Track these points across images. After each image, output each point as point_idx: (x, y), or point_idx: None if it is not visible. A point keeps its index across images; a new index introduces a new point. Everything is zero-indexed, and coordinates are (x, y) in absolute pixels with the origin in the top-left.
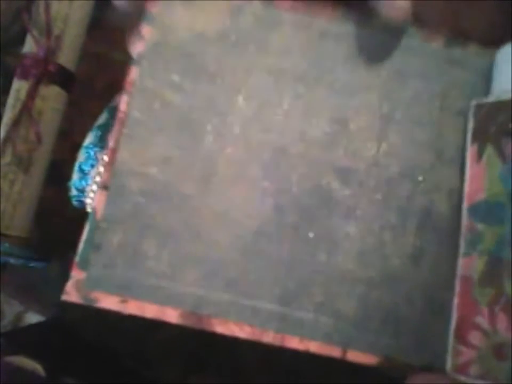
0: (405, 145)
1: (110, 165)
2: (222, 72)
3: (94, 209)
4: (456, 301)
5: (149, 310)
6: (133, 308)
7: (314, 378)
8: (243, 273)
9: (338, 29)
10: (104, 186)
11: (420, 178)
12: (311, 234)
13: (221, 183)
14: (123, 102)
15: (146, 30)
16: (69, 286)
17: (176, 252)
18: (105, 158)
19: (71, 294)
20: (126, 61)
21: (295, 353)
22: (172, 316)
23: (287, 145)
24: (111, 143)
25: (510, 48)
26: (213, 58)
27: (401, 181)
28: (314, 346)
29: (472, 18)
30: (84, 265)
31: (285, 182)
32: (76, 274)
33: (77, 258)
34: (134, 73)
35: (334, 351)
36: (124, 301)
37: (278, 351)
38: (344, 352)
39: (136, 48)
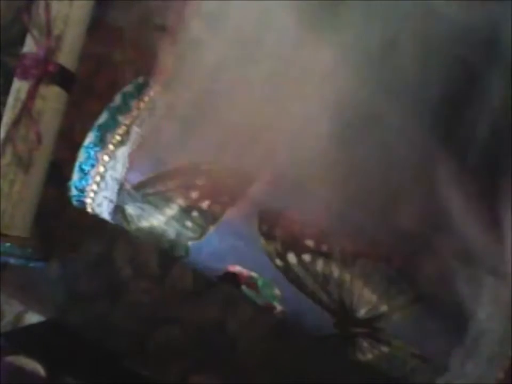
0: None
1: None
2: None
3: None
4: None
5: None
6: None
7: (314, 378)
8: None
9: None
10: None
11: None
12: None
13: None
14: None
15: None
16: None
17: None
18: (106, 158)
19: None
20: (126, 61)
21: (295, 353)
22: None
23: None
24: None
25: None
26: None
27: None
28: None
29: None
30: None
31: None
32: None
33: None
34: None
35: None
36: None
37: (278, 351)
38: None
39: None
